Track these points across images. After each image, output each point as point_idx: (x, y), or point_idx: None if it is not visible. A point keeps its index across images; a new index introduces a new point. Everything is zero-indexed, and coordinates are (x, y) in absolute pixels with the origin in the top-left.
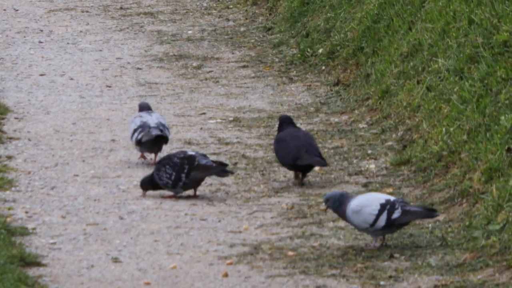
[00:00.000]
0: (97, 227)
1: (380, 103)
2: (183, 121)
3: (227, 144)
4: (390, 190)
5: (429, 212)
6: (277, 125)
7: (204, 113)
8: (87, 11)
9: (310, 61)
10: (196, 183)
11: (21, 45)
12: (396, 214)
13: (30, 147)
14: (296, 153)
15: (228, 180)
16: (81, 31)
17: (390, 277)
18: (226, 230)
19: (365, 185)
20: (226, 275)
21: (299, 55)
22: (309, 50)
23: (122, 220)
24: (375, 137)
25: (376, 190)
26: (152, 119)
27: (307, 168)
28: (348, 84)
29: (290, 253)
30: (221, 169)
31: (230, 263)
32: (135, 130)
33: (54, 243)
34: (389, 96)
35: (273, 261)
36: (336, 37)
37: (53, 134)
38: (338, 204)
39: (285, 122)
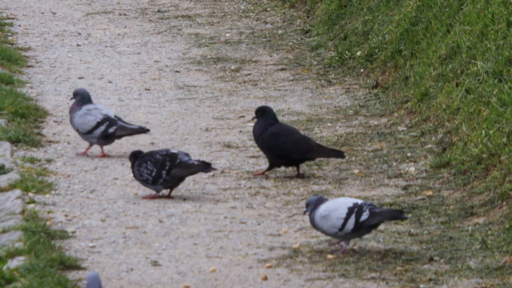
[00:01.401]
0: (137, 230)
1: (419, 105)
2: (222, 124)
3: None
4: (430, 193)
5: (397, 213)
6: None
7: (243, 116)
8: (124, 14)
9: (348, 64)
10: (176, 181)
11: (59, 48)
12: (364, 217)
13: (69, 151)
14: (307, 146)
15: (267, 183)
16: (119, 34)
17: (430, 280)
18: (266, 233)
19: (405, 188)
20: (265, 278)
21: (337, 58)
22: (347, 52)
23: (162, 223)
24: (414, 139)
25: (416, 193)
26: (106, 110)
27: (303, 160)
28: (387, 87)
29: (330, 256)
30: (203, 168)
31: (270, 266)
32: (99, 123)
33: (94, 247)
34: (428, 99)
35: (312, 264)
36: (374, 39)
37: None
38: (312, 209)
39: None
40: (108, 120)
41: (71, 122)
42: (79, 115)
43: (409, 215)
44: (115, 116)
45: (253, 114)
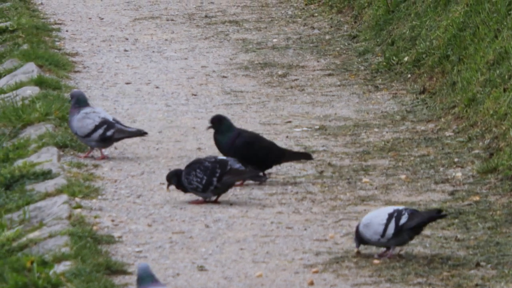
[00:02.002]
0: (183, 235)
1: (466, 111)
2: (269, 130)
3: (313, 152)
4: (477, 198)
5: (434, 212)
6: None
7: (290, 122)
8: (172, 20)
9: (395, 69)
10: (226, 188)
11: (106, 53)
12: (404, 219)
13: (116, 156)
14: (280, 151)
15: (314, 188)
16: (166, 40)
17: (476, 285)
18: (312, 238)
19: (452, 193)
20: (311, 283)
21: (384, 63)
22: (394, 58)
23: (208, 229)
24: (461, 145)
25: (463, 198)
26: (104, 113)
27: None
28: (434, 92)
29: (376, 261)
30: (254, 174)
31: (316, 272)
32: (97, 126)
33: (140, 252)
34: (475, 104)
35: (359, 270)
36: (421, 45)
37: (139, 143)
38: (356, 228)
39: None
40: (106, 123)
41: (69, 126)
42: (77, 119)
43: (456, 220)
44: (114, 119)
45: (301, 119)
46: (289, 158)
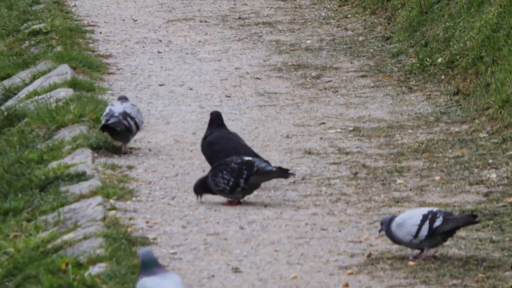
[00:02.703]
0: (218, 237)
1: (500, 112)
2: (303, 131)
3: (347, 153)
4: (511, 199)
5: (470, 217)
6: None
7: (323, 123)
8: (205, 21)
9: (429, 71)
10: (253, 189)
11: (140, 55)
12: (438, 223)
13: (150, 157)
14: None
15: (348, 189)
16: (199, 41)
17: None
18: (347, 240)
19: (486, 195)
20: (346, 285)
21: (418, 65)
22: (428, 59)
23: (243, 230)
24: (496, 146)
25: (497, 199)
26: (118, 108)
27: None
28: (468, 94)
29: (411, 263)
30: (281, 174)
31: (351, 273)
32: (102, 118)
33: (175, 253)
34: (509, 105)
35: (393, 271)
36: (455, 46)
37: (173, 144)
38: (387, 225)
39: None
40: (106, 115)
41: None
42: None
43: (491, 221)
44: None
45: (334, 121)
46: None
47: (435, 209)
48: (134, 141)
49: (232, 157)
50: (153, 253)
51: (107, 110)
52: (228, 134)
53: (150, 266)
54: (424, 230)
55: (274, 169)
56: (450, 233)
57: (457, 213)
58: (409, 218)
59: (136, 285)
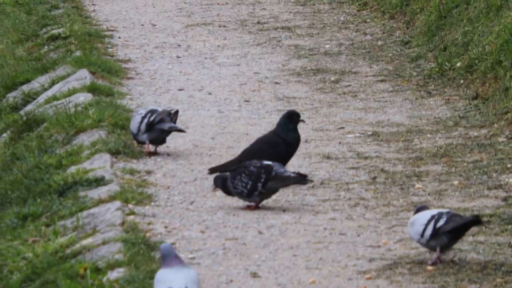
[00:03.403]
0: (236, 241)
1: None
2: (322, 136)
3: (366, 158)
4: None
5: (472, 218)
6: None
7: (342, 127)
8: (224, 26)
9: (448, 75)
10: (271, 193)
11: (159, 60)
12: (441, 222)
13: (169, 162)
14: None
15: (367, 194)
16: (218, 46)
17: None
18: (365, 244)
19: (505, 199)
20: None
21: (437, 69)
22: (447, 63)
23: (261, 235)
24: None
25: None
26: (158, 108)
27: None
28: (487, 98)
29: (429, 267)
30: (299, 180)
31: (369, 278)
32: (143, 117)
33: (194, 258)
34: None
35: (412, 276)
36: (474, 50)
37: (192, 149)
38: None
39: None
40: (151, 112)
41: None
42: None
43: (509, 226)
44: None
45: (353, 125)
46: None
47: (445, 210)
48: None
49: (253, 160)
50: (172, 247)
51: (143, 111)
52: None
53: (168, 259)
54: (429, 230)
55: (292, 174)
56: (455, 234)
57: None
58: (420, 218)
59: None
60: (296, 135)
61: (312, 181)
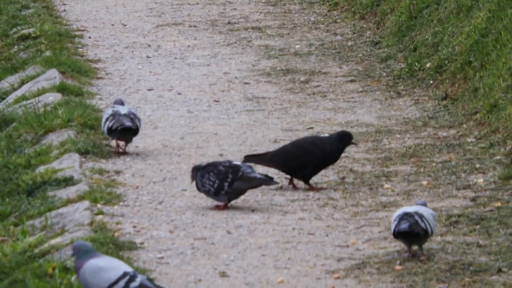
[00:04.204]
0: (205, 241)
1: (488, 117)
2: (291, 136)
3: None
4: (499, 204)
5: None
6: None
7: (312, 128)
8: (194, 26)
9: (417, 75)
10: (238, 194)
11: (129, 60)
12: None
13: (138, 162)
14: None
15: (336, 194)
16: (188, 46)
17: None
18: (334, 244)
19: (473, 200)
20: None
21: (406, 69)
22: (416, 64)
23: (230, 235)
24: (483, 151)
25: (484, 204)
26: (123, 109)
27: None
28: (456, 98)
29: (398, 267)
30: (265, 182)
31: (338, 277)
32: (107, 119)
33: (162, 258)
34: (497, 110)
35: (380, 275)
36: (444, 51)
37: (161, 149)
38: None
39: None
40: (113, 116)
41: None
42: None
43: (478, 226)
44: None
45: (322, 126)
46: None
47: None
48: (122, 146)
49: (223, 160)
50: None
51: (110, 112)
52: None
53: (93, 252)
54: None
55: (258, 176)
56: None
57: (444, 218)
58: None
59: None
60: (337, 155)
61: (277, 183)
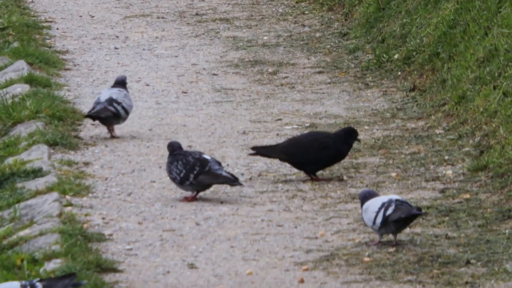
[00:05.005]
0: (174, 233)
1: (456, 108)
2: (259, 127)
3: None
4: (467, 196)
5: (416, 210)
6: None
7: (280, 119)
8: (162, 17)
9: (386, 67)
10: (202, 187)
11: (97, 51)
12: (389, 211)
13: (107, 153)
14: None
15: (305, 186)
16: (156, 37)
17: (467, 283)
18: (303, 236)
19: (442, 191)
20: (302, 281)
21: (374, 61)
22: (384, 55)
23: (199, 226)
24: (452, 142)
25: (453, 196)
26: (104, 95)
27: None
28: (424, 90)
29: (366, 259)
30: (229, 181)
31: (306, 269)
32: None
33: (131, 249)
34: (465, 102)
35: (349, 267)
36: (412, 42)
37: (130, 140)
38: (361, 203)
39: None
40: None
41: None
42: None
43: (446, 218)
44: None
45: (291, 117)
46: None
47: (396, 197)
48: (90, 137)
49: (195, 151)
50: None
51: (95, 98)
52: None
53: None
54: (379, 218)
55: (224, 173)
56: (402, 223)
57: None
58: (372, 205)
59: None
60: (347, 151)
61: (242, 185)
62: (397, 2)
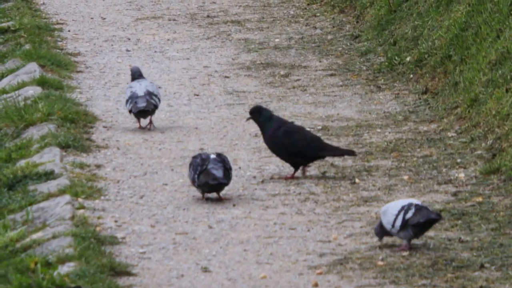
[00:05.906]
0: (187, 236)
1: (469, 111)
2: None
3: None
4: (480, 199)
5: (436, 215)
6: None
7: (292, 122)
8: (174, 20)
9: (397, 69)
10: (209, 188)
11: (108, 53)
12: (409, 214)
13: (119, 156)
14: (320, 144)
15: (317, 189)
16: (168, 40)
17: (481, 287)
18: (316, 239)
19: (455, 194)
20: (316, 285)
21: (386, 63)
22: (396, 58)
23: (211, 229)
24: (464, 145)
25: (465, 199)
26: (140, 88)
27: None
28: (437, 93)
29: (380, 262)
30: (218, 182)
31: (320, 273)
32: (126, 101)
33: (144, 253)
34: (478, 105)
35: (363, 271)
36: (423, 45)
37: (142, 143)
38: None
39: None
40: (131, 98)
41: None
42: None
43: (459, 221)
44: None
45: (303, 120)
46: (330, 153)
47: (416, 201)
48: (102, 140)
49: (208, 154)
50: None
51: (128, 93)
52: (298, 125)
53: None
54: (399, 221)
55: (218, 175)
56: (420, 228)
57: None
58: (392, 207)
59: None
60: None
61: (226, 184)
62: (408, 4)
